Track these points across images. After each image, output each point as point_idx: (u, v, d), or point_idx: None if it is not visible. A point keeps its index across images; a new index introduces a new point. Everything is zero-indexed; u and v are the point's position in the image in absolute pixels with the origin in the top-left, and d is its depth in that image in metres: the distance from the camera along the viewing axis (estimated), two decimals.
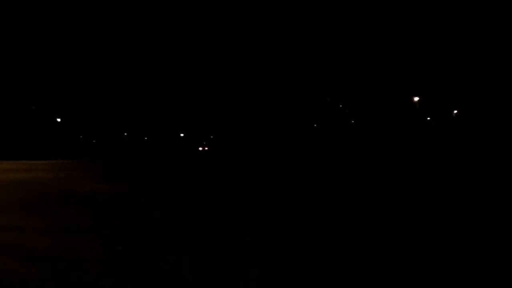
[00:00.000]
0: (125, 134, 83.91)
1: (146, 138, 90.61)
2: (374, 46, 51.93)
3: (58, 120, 63.11)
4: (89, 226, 7.64)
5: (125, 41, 68.01)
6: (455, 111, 46.84)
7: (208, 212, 9.50)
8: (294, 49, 61.36)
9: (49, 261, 5.28)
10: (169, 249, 5.97)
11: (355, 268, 5.13)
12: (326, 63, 57.32)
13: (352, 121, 59.41)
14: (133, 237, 6.81)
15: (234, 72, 70.91)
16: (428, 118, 49.74)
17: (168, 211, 9.51)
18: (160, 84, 75.78)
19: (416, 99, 49.30)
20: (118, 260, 5.47)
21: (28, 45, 54.40)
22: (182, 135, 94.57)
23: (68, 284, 4.51)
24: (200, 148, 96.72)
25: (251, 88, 69.60)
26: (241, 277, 4.83)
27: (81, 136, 68.15)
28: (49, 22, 55.13)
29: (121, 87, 70.16)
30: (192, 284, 4.59)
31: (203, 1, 70.02)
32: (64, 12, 57.10)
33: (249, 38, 67.84)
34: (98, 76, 65.36)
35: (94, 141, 72.40)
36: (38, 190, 13.21)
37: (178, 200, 11.70)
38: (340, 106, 60.68)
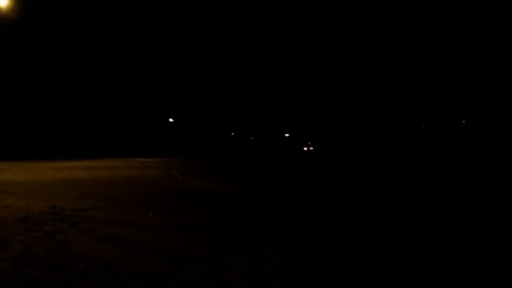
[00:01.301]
0: (232, 134, 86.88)
1: (252, 138, 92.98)
2: (486, 45, 48.49)
3: (171, 120, 67.22)
4: (201, 223, 8.09)
5: (235, 44, 70.63)
6: None
7: (313, 212, 9.56)
8: (404, 48, 59.04)
9: (164, 257, 5.71)
10: (277, 249, 6.14)
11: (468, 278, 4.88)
12: (437, 62, 54.49)
13: (463, 121, 55.70)
14: (242, 236, 7.09)
15: (340, 73, 70.10)
16: None
17: (273, 211, 9.72)
18: (268, 86, 77.39)
19: None
20: (232, 257, 5.77)
21: (143, 47, 58.61)
22: (287, 135, 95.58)
23: (185, 279, 4.84)
24: (305, 148, 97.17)
25: (357, 89, 68.31)
26: (350, 281, 4.86)
27: (191, 136, 71.86)
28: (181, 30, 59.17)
29: (231, 89, 72.86)
30: (302, 284, 4.71)
31: None
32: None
33: (370, 37, 66.53)
34: (210, 78, 68.57)
35: (203, 140, 75.96)
36: (149, 187, 14.23)
37: (283, 200, 11.88)
38: (450, 105, 57.15)
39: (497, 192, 13.43)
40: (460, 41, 49.53)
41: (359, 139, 70.20)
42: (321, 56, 74.69)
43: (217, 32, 76.82)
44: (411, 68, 58.56)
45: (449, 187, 15.19)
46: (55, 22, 47.85)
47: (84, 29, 50.88)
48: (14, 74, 44.52)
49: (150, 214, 9.06)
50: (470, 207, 10.45)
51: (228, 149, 70.41)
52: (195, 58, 69.06)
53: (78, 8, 50.15)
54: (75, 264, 5.41)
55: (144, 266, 5.32)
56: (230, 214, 9.34)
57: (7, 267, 5.27)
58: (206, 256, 5.78)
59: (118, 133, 58.08)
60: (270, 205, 10.75)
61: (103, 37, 53.69)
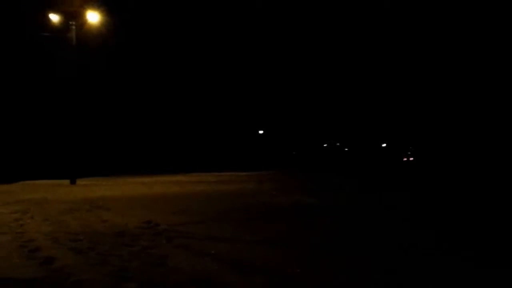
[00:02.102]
0: (325, 145, 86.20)
1: (346, 149, 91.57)
2: None
3: (261, 132, 68.15)
4: (299, 238, 7.94)
5: (325, 53, 70.52)
6: None
7: (424, 226, 9.06)
8: None
9: (263, 273, 5.62)
10: (386, 265, 5.82)
11: None
12: None
13: None
14: (341, 250, 6.85)
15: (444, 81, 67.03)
16: None
17: (378, 224, 9.32)
18: (361, 94, 75.98)
19: None
20: (329, 274, 5.56)
21: (232, 59, 60.18)
22: (384, 145, 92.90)
23: None
24: (404, 159, 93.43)
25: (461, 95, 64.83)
26: None
27: (281, 148, 72.30)
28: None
29: (322, 98, 72.52)
30: None
31: None
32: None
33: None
34: (300, 88, 68.81)
35: (294, 152, 76.09)
36: (243, 201, 14.33)
37: (387, 212, 11.41)
38: None
39: None
40: None
41: (468, 150, 66.25)
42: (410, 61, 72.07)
43: (305, 42, 76.96)
44: None
45: None
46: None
47: (168, 46, 53.30)
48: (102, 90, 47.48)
49: (248, 230, 9.07)
50: None
51: (321, 161, 69.82)
52: (285, 69, 69.63)
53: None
54: (173, 279, 5.47)
55: (242, 283, 5.25)
56: (330, 228, 9.11)
57: (107, 281, 5.44)
58: (306, 274, 5.61)
59: (207, 146, 59.79)
60: (373, 219, 10.36)
61: (191, 48, 55.88)
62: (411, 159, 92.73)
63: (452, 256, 6.61)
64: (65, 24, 27.45)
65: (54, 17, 27.23)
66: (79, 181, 27.51)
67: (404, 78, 73.43)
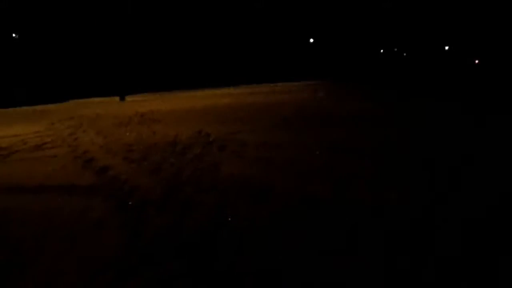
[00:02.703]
0: (381, 50, 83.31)
1: (404, 54, 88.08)
2: None
3: (311, 40, 66.56)
4: (353, 145, 7.90)
5: None
6: None
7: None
8: None
9: (319, 178, 5.66)
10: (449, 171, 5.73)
11: None
12: None
13: None
14: (399, 160, 6.78)
15: None
16: None
17: (444, 136, 9.10)
18: None
19: None
20: (384, 176, 5.56)
21: None
22: (447, 48, 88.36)
23: (342, 200, 4.75)
24: (476, 61, 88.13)
25: None
26: None
27: (334, 57, 70.60)
28: None
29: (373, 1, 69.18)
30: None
31: None
32: None
33: None
34: None
35: (348, 61, 74.21)
36: (296, 110, 14.29)
37: (454, 122, 11.05)
38: None
39: None
40: None
41: None
42: None
43: None
44: None
45: None
46: None
47: None
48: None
49: (303, 136, 9.08)
50: None
51: (377, 69, 68.00)
52: None
53: None
54: (226, 184, 5.62)
55: (296, 188, 5.31)
56: (384, 136, 8.96)
57: (163, 186, 5.65)
58: (362, 176, 5.61)
59: (258, 58, 59.25)
60: (436, 129, 10.10)
61: None
62: (476, 62, 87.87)
63: None
64: None
65: None
66: (129, 98, 28.21)
67: None
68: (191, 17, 52.17)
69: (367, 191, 4.96)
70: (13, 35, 39.88)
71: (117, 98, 27.51)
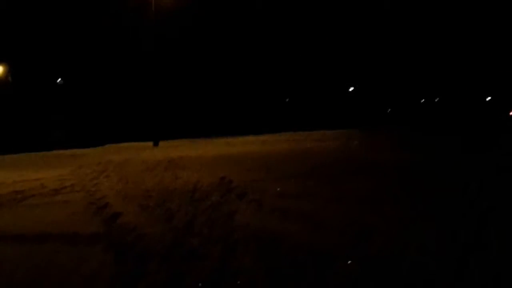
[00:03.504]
0: (423, 100, 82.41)
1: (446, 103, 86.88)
2: None
3: (351, 89, 66.53)
4: (384, 196, 7.43)
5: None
6: None
7: None
8: None
9: (338, 231, 5.27)
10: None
11: None
12: None
13: None
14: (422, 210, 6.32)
15: None
16: None
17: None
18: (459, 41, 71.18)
19: None
20: (405, 229, 5.12)
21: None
22: (488, 98, 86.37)
23: (357, 253, 4.36)
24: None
25: None
26: None
27: (373, 105, 70.14)
28: None
29: (418, 49, 68.94)
30: None
31: None
32: None
33: None
34: (392, 40, 65.81)
35: (388, 109, 73.57)
36: (326, 158, 13.85)
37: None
38: None
39: None
40: None
41: None
42: None
43: None
44: None
45: None
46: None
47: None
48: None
49: (329, 187, 8.69)
50: None
51: (417, 118, 66.99)
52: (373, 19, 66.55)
53: None
54: (237, 236, 5.27)
55: (312, 240, 4.93)
56: (420, 185, 8.46)
57: (170, 236, 5.34)
58: (382, 231, 5.18)
59: (295, 105, 59.40)
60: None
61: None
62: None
63: None
64: None
65: None
66: (163, 143, 28.37)
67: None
68: (225, 65, 53.02)
69: (386, 248, 4.52)
70: (58, 80, 41.31)
71: (151, 144, 27.70)
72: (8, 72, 34.57)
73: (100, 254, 4.69)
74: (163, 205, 7.29)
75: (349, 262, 4.14)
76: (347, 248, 4.55)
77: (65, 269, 4.31)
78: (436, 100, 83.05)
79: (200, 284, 3.81)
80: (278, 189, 8.29)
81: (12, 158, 20.35)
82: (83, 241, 5.25)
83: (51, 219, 6.52)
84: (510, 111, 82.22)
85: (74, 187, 9.76)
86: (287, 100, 59.86)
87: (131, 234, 5.49)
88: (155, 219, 6.38)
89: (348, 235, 5.00)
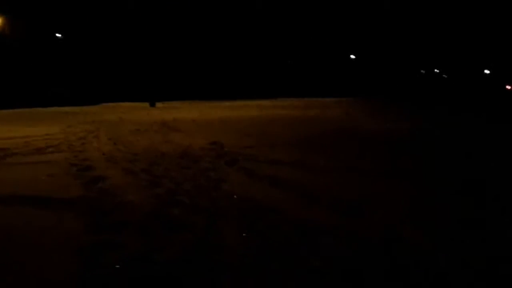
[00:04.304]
0: (422, 71, 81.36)
1: (444, 76, 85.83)
2: None
3: (352, 57, 65.52)
4: (374, 167, 7.07)
5: None
6: None
7: None
8: None
9: (329, 202, 4.92)
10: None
11: None
12: None
13: None
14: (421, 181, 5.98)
15: None
16: None
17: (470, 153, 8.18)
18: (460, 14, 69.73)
19: None
20: (402, 203, 4.79)
21: None
22: (487, 72, 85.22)
23: (346, 230, 4.01)
24: (508, 87, 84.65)
25: None
26: None
27: (374, 75, 69.23)
28: None
29: (418, 20, 67.57)
30: None
31: None
32: None
33: None
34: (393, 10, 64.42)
35: (387, 79, 72.61)
36: (324, 127, 13.49)
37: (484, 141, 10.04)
38: None
39: None
40: None
41: None
42: None
43: None
44: None
45: None
46: None
47: None
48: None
49: (323, 156, 8.32)
50: None
51: (418, 90, 66.31)
52: None
53: None
54: (222, 204, 4.92)
55: (300, 213, 4.58)
56: (413, 158, 8.10)
57: (151, 204, 4.99)
58: (376, 203, 4.85)
59: (295, 71, 58.58)
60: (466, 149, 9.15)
61: None
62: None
63: None
64: None
65: None
66: (161, 104, 27.94)
67: None
68: (231, 28, 51.98)
69: (379, 222, 4.18)
70: (57, 35, 40.38)
71: (148, 104, 27.25)
72: (6, 24, 33.69)
73: (71, 221, 4.32)
74: (148, 170, 6.92)
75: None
76: (335, 224, 4.20)
77: (29, 235, 3.96)
78: (436, 72, 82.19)
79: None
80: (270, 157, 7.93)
81: (6, 114, 19.92)
82: (57, 206, 4.87)
83: (28, 180, 6.14)
84: (506, 85, 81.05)
85: (60, 146, 9.37)
86: (288, 62, 58.81)
87: (110, 200, 5.13)
88: (138, 184, 6.01)
89: (338, 210, 4.64)
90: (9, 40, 34.99)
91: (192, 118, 16.31)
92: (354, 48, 66.30)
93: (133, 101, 30.84)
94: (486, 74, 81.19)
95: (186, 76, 47.12)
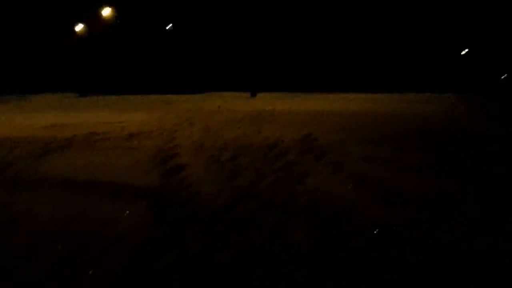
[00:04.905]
0: None
1: None
2: None
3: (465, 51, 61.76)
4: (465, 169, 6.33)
5: None
6: None
7: None
8: None
9: (416, 205, 4.44)
10: None
11: None
12: None
13: None
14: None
15: None
16: None
17: None
18: None
19: None
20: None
21: None
22: None
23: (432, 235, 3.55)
24: None
25: None
26: None
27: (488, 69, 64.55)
28: None
29: None
30: None
31: None
32: None
33: None
34: None
35: (504, 75, 67.48)
36: (425, 125, 12.51)
37: None
38: None
39: None
40: None
41: None
42: None
43: None
44: None
45: None
46: None
47: None
48: None
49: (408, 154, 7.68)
50: None
51: None
52: None
53: None
54: (301, 202, 4.60)
55: (383, 214, 4.15)
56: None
57: (228, 196, 4.79)
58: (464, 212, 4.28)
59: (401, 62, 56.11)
60: None
61: None
62: None
63: None
64: None
65: None
66: (262, 95, 28.00)
67: None
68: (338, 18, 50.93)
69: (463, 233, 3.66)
70: (167, 27, 41.97)
71: (249, 94, 27.38)
72: (116, 14, 35.50)
73: (140, 213, 4.23)
74: (234, 161, 6.75)
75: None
76: (421, 229, 3.73)
77: (94, 225, 3.91)
78: None
79: None
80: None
81: (114, 100, 20.92)
82: (130, 195, 4.83)
83: (110, 165, 6.24)
84: None
85: (153, 133, 9.52)
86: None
87: (185, 191, 5.01)
88: (219, 175, 5.87)
89: (425, 213, 4.16)
90: (119, 30, 36.86)
91: (289, 110, 15.99)
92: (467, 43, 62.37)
93: (236, 91, 31.16)
94: None
95: (289, 67, 46.93)
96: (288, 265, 3.10)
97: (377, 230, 3.73)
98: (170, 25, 41.61)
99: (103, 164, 6.36)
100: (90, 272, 2.99)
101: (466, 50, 60.68)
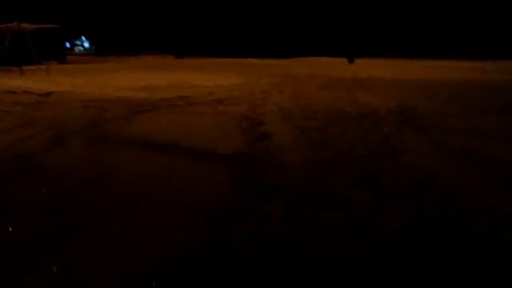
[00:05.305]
0: None
1: None
2: None
3: None
4: None
5: None
6: None
7: None
8: None
9: None
10: None
11: None
12: None
13: None
14: None
15: None
16: None
17: None
18: None
19: None
20: None
21: None
22: None
23: None
24: None
25: None
26: None
27: None
28: None
29: None
30: None
31: None
32: None
33: None
34: None
35: None
36: None
37: None
38: None
39: None
40: None
41: None
42: None
43: None
44: None
45: None
46: None
47: None
48: None
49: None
50: None
51: None
52: None
53: None
54: (394, 179, 4.16)
55: (496, 202, 3.62)
56: None
57: (313, 169, 4.46)
58: None
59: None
60: None
61: None
62: None
63: None
64: None
65: None
66: (361, 61, 27.07)
67: None
68: None
69: None
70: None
71: (346, 60, 26.60)
72: None
73: (220, 181, 4.01)
74: (323, 130, 6.37)
75: None
76: None
77: (171, 189, 3.81)
78: None
79: None
80: None
81: (202, 62, 21.13)
82: (212, 161, 4.63)
83: (193, 131, 6.08)
84: None
85: (241, 98, 9.33)
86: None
87: (269, 161, 4.72)
88: (306, 145, 5.51)
89: None
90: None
91: (387, 77, 15.21)
92: None
93: (333, 57, 30.39)
94: None
95: (388, 30, 44.85)
96: (379, 254, 2.73)
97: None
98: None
99: (189, 128, 6.25)
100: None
101: None
